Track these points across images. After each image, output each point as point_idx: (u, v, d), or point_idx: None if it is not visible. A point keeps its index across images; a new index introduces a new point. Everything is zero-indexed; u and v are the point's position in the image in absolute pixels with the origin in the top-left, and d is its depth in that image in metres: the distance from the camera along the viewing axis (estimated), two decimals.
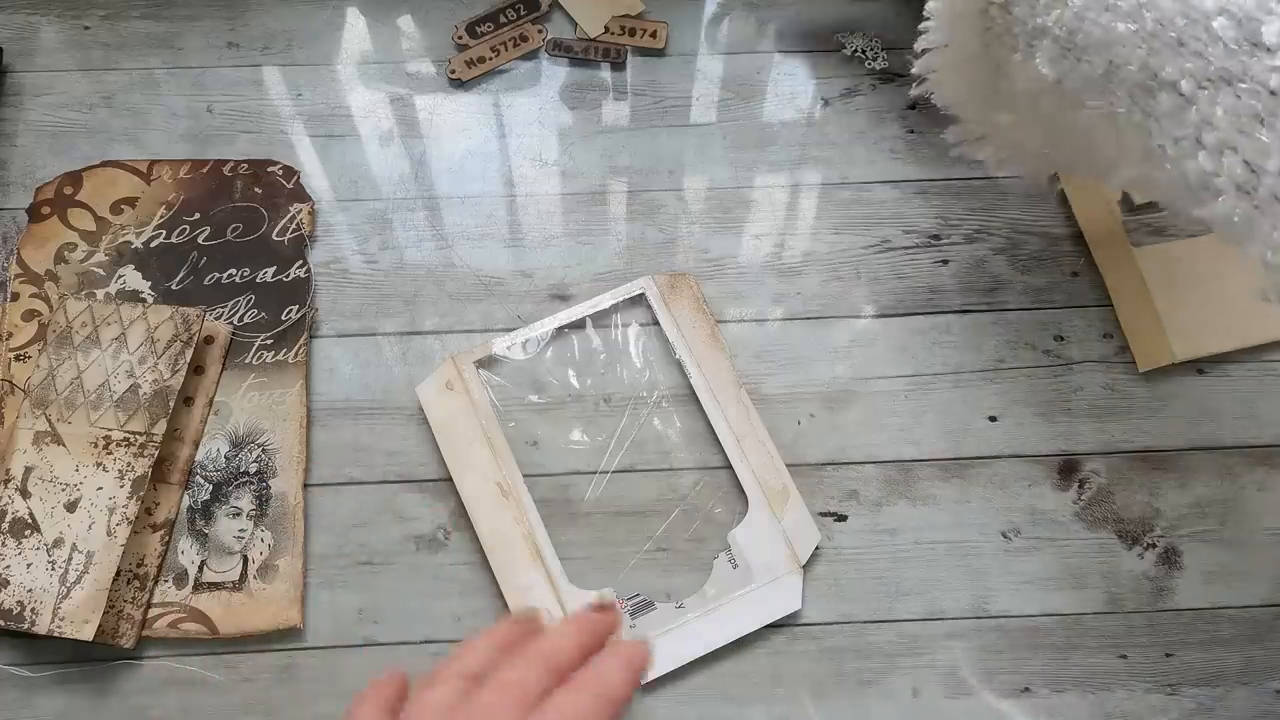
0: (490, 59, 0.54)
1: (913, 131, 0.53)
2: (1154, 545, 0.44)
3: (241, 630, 0.42)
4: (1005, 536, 0.45)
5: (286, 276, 0.48)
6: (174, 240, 0.49)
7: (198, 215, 0.50)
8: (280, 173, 0.51)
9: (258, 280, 0.48)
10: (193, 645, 0.42)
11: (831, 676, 0.42)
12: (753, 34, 0.56)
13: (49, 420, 0.43)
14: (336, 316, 0.48)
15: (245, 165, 0.51)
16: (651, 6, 0.56)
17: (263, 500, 0.44)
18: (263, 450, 0.45)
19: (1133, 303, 0.48)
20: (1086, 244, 0.50)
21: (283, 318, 0.48)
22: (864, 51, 0.55)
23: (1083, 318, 0.49)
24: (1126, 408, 0.47)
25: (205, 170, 0.51)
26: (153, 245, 0.49)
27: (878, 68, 0.55)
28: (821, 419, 0.47)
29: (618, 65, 0.55)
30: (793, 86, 0.54)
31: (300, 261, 0.49)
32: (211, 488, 0.44)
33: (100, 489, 0.42)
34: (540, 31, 0.55)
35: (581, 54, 0.55)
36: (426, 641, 0.43)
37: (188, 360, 0.45)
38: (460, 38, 0.55)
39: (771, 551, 0.43)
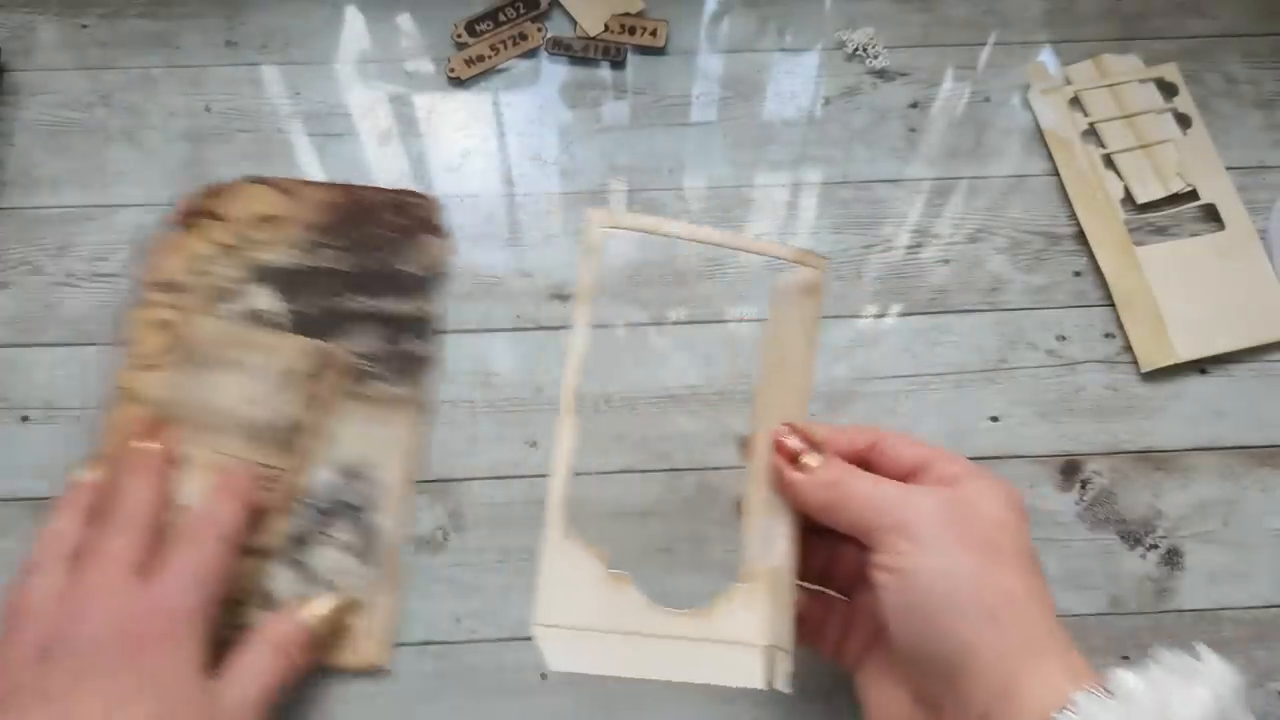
0: (489, 57, 0.54)
1: (914, 130, 0.53)
2: (1156, 546, 0.44)
3: (333, 663, 0.41)
4: None
5: (412, 310, 0.47)
6: (307, 263, 0.48)
7: (333, 239, 0.49)
8: (420, 204, 0.50)
9: (384, 311, 0.47)
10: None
11: (833, 677, 0.42)
12: (753, 32, 0.56)
13: (168, 443, 0.42)
14: None
15: (386, 193, 0.50)
16: (651, 4, 0.56)
17: (362, 533, 0.43)
18: (368, 484, 0.44)
19: (1135, 303, 0.48)
20: (1088, 243, 0.50)
21: (403, 352, 0.46)
22: (865, 50, 0.55)
23: (1085, 317, 0.49)
24: (1129, 408, 0.47)
25: (346, 195, 0.50)
26: (286, 266, 0.48)
27: (879, 66, 0.54)
28: (822, 419, 0.46)
29: (617, 64, 0.55)
30: (793, 85, 0.54)
31: (429, 296, 0.48)
32: (312, 516, 0.43)
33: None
34: (540, 30, 0.55)
35: (581, 52, 0.54)
36: (425, 643, 0.42)
37: (316, 395, 0.43)
38: (459, 36, 0.55)
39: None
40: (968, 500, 0.30)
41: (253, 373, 0.44)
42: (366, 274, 0.48)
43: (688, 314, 0.48)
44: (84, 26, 0.55)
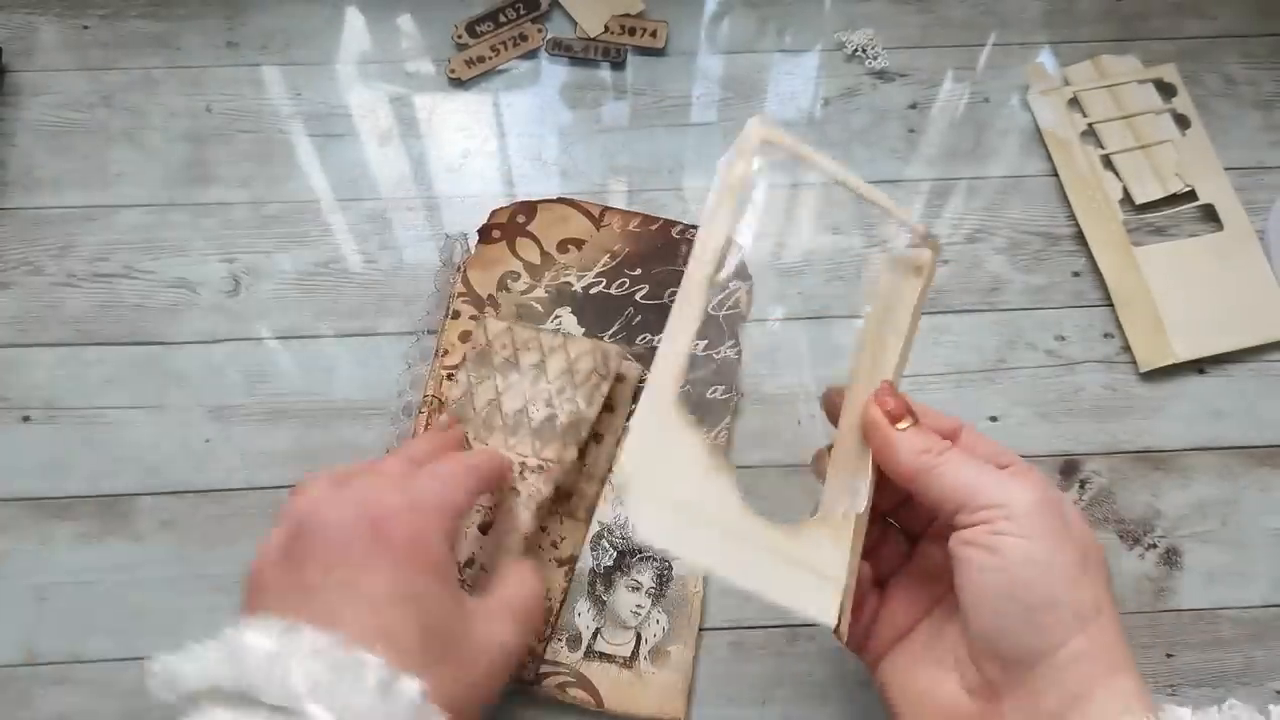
0: (490, 58, 0.54)
1: (913, 131, 0.53)
2: (1155, 545, 0.44)
3: (626, 709, 0.40)
4: None
5: (716, 354, 0.46)
6: (612, 291, 0.48)
7: (638, 271, 0.48)
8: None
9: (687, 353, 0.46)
10: (575, 713, 0.41)
11: (832, 678, 0.42)
12: (753, 33, 0.56)
13: (466, 439, 0.42)
14: (336, 316, 0.48)
15: (693, 231, 0.49)
16: (651, 5, 0.56)
17: (663, 580, 0.42)
18: None
19: (1134, 303, 0.48)
20: (1087, 244, 0.50)
21: (707, 396, 0.45)
22: (864, 51, 0.55)
23: (1084, 318, 0.49)
24: (1127, 408, 0.47)
25: (654, 227, 0.49)
26: (591, 292, 0.48)
27: (878, 67, 0.54)
28: (822, 419, 0.46)
29: (617, 64, 0.55)
30: (793, 86, 0.54)
31: (732, 341, 0.47)
32: (615, 555, 0.43)
33: (510, 513, 0.41)
34: (540, 31, 0.55)
35: (581, 53, 0.55)
36: None
37: (603, 394, 0.43)
38: (460, 37, 0.55)
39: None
40: (1061, 503, 0.30)
41: (538, 374, 0.43)
42: (667, 309, 0.46)
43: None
44: (85, 27, 0.55)
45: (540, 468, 0.41)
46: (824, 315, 0.49)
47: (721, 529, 0.29)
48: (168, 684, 0.27)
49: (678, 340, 0.29)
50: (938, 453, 0.31)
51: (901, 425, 0.32)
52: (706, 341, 0.46)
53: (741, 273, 0.49)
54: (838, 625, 0.30)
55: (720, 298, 0.48)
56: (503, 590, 0.34)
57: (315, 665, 0.26)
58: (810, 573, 0.30)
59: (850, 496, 0.32)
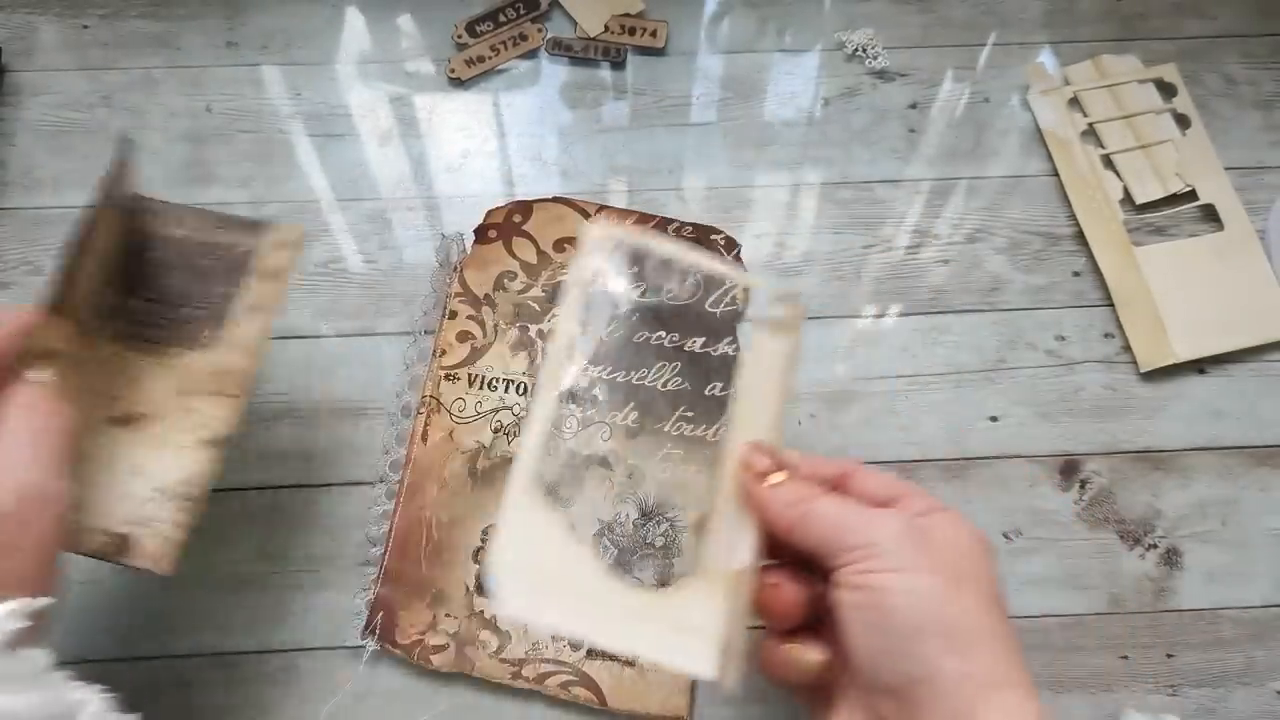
0: (490, 58, 0.54)
1: (913, 130, 0.53)
2: (1155, 546, 0.44)
3: (629, 707, 0.40)
4: (1006, 537, 0.44)
5: (714, 350, 0.46)
6: (608, 290, 0.48)
7: (635, 270, 0.49)
8: (722, 242, 0.49)
9: (685, 348, 0.46)
10: (578, 712, 0.41)
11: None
12: (753, 33, 0.56)
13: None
14: (336, 316, 0.48)
15: (690, 229, 0.49)
16: (651, 5, 0.56)
17: (664, 577, 0.42)
18: (671, 526, 0.43)
19: (1134, 303, 0.48)
20: (1088, 244, 0.50)
21: (705, 393, 0.45)
22: (864, 50, 0.55)
23: (1084, 318, 0.49)
24: (1128, 408, 0.47)
25: (649, 226, 0.49)
26: (587, 291, 0.48)
27: (878, 67, 0.54)
28: (822, 419, 0.47)
29: (617, 64, 0.55)
30: (793, 86, 0.54)
31: (730, 338, 0.46)
32: (617, 553, 0.43)
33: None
34: (540, 30, 0.55)
35: (581, 53, 0.55)
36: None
37: None
38: (460, 37, 0.55)
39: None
40: (934, 526, 0.30)
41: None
42: (665, 308, 0.47)
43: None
44: (85, 27, 0.55)
45: None
46: (824, 315, 0.49)
47: (588, 597, 0.30)
48: None
49: (532, 429, 0.31)
50: (809, 501, 0.31)
51: (774, 480, 0.32)
52: (705, 339, 0.46)
53: (737, 267, 0.49)
54: (721, 677, 0.30)
55: (717, 294, 0.48)
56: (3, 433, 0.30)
57: None
58: (685, 629, 0.31)
59: (729, 553, 0.33)
